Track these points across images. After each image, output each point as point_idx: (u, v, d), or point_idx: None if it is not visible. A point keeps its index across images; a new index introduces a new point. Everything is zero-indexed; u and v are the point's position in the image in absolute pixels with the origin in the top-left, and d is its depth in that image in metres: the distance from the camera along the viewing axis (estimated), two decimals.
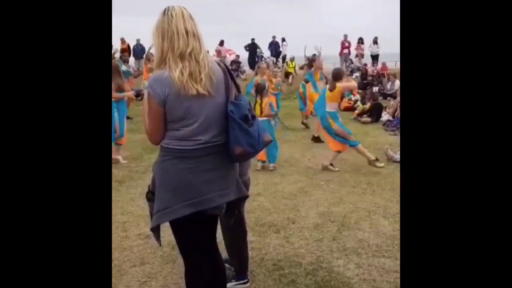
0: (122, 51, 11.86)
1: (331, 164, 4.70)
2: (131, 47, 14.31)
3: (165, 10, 1.57)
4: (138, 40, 14.64)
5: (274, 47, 16.33)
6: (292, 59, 15.01)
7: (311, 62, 7.19)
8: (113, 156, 4.89)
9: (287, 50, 16.43)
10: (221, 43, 15.56)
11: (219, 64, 1.66)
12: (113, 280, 2.40)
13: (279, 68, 12.48)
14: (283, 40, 16.68)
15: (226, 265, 2.03)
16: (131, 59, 13.54)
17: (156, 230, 1.69)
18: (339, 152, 4.71)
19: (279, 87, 7.60)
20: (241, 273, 2.26)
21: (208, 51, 1.71)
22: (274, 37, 16.49)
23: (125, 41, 14.21)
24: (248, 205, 2.30)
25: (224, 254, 2.07)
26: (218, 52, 14.85)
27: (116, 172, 4.67)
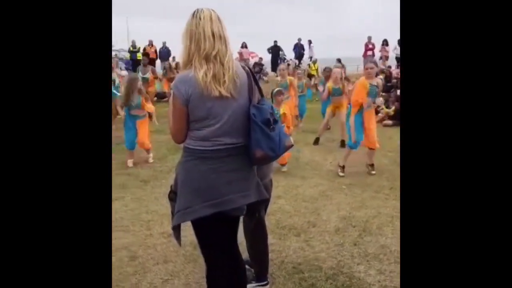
0: (144, 54, 12.14)
1: (371, 165, 4.68)
2: (158, 50, 14.69)
3: (194, 12, 1.62)
4: (164, 43, 15.01)
5: (299, 49, 16.30)
6: (314, 61, 14.91)
7: (328, 73, 7.08)
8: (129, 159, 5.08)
9: (314, 53, 16.38)
10: (244, 45, 15.65)
11: (243, 68, 1.70)
12: (137, 277, 2.48)
13: (301, 70, 12.43)
14: (310, 42, 16.65)
15: (246, 266, 2.05)
16: (157, 62, 13.94)
17: (176, 229, 1.74)
18: (371, 149, 4.65)
19: (300, 90, 7.52)
20: (261, 275, 2.28)
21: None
22: (299, 39, 16.47)
23: (152, 45, 14.59)
24: (268, 208, 2.31)
25: (244, 255, 2.10)
26: (240, 55, 14.94)
27: (141, 172, 4.81)
